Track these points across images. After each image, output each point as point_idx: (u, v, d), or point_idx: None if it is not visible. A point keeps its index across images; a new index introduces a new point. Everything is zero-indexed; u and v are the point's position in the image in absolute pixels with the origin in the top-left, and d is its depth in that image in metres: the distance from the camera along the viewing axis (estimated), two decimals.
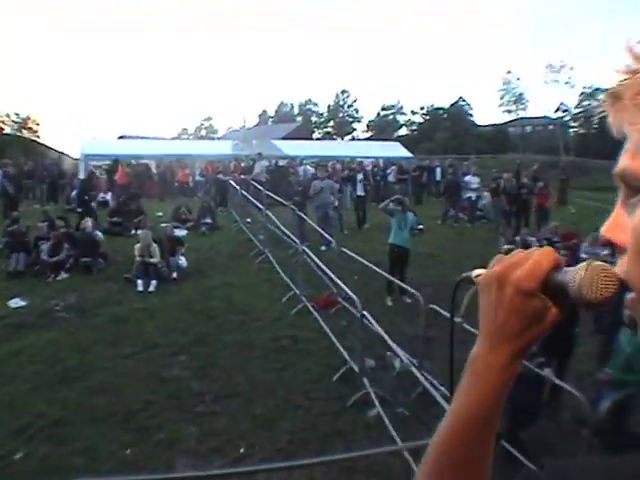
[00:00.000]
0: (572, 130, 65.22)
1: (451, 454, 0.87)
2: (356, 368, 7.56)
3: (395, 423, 6.39)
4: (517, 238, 14.83)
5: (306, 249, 11.11)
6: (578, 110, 66.49)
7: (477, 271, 0.99)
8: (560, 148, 52.28)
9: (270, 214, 14.85)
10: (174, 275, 12.18)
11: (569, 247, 8.15)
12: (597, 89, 64.14)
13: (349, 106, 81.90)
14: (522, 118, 68.49)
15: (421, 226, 12.60)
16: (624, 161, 0.68)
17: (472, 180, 22.33)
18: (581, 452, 5.51)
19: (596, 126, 63.94)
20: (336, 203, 16.58)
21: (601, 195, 27.13)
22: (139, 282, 11.50)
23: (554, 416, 6.68)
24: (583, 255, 11.62)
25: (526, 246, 12.83)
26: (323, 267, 9.97)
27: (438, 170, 27.70)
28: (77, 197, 18.62)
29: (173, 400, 7.02)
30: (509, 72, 70.18)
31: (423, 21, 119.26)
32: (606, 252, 14.71)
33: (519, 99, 69.70)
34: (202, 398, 7.08)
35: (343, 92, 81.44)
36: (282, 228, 13.85)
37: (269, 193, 17.90)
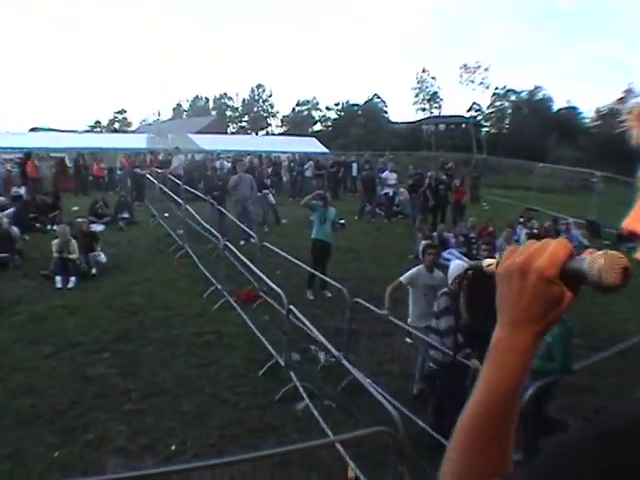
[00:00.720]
0: (484, 129, 66.87)
1: (486, 427, 0.93)
2: (282, 362, 7.58)
3: (323, 415, 6.45)
4: (434, 234, 15.17)
5: (227, 244, 11.06)
6: (490, 110, 68.31)
7: (487, 261, 1.10)
8: (473, 146, 53.60)
9: (189, 208, 14.68)
10: (93, 271, 11.88)
11: (489, 242, 8.41)
12: (509, 90, 66.34)
13: (264, 101, 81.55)
14: (436, 116, 69.83)
15: (342, 221, 12.78)
16: None
17: (389, 176, 22.68)
18: None
19: (507, 126, 65.99)
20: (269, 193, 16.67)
21: (512, 193, 28.13)
22: (58, 279, 11.14)
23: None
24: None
25: (443, 241, 13.20)
26: (247, 262, 9.98)
27: (354, 166, 27.95)
28: None
29: (99, 399, 6.82)
30: (424, 71, 71.53)
31: (340, 17, 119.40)
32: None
33: (433, 97, 71.15)
34: (129, 396, 6.91)
35: (259, 86, 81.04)
36: (202, 222, 13.76)
37: (188, 187, 17.74)
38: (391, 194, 21.93)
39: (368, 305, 7.67)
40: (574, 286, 0.92)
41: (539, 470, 0.78)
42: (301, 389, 6.98)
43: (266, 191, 17.07)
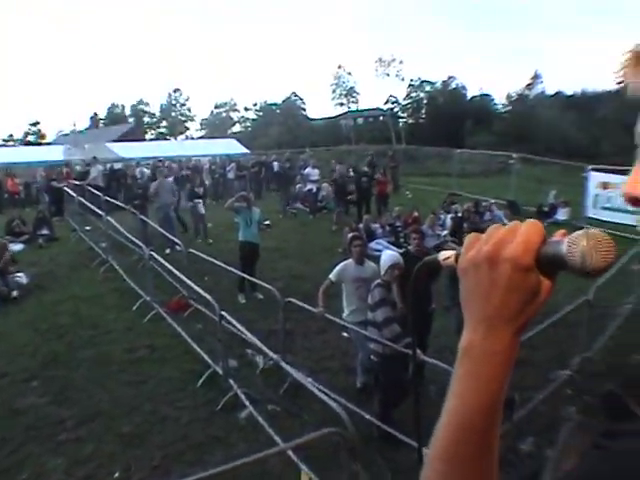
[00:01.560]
0: (402, 120, 67.96)
1: (467, 453, 0.81)
2: (220, 370, 7.44)
3: (268, 420, 6.35)
4: (360, 225, 15.25)
5: (152, 253, 10.78)
6: (407, 101, 69.50)
7: (444, 253, 0.97)
8: (392, 138, 54.32)
9: (111, 220, 14.23)
10: (14, 294, 11.34)
11: (417, 230, 8.42)
12: (424, 81, 67.63)
13: (182, 105, 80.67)
14: (354, 111, 70.62)
15: (268, 221, 12.69)
16: None
17: (312, 172, 22.83)
18: None
19: (424, 116, 67.26)
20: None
21: (433, 180, 28.60)
22: None
23: (422, 391, 6.96)
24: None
25: (370, 232, 13.22)
26: (174, 271, 9.74)
27: (275, 164, 27.89)
28: None
29: (32, 431, 6.43)
30: (340, 67, 72.19)
31: (254, 17, 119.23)
32: (446, 232, 15.55)
33: (350, 92, 71.88)
34: (63, 425, 6.56)
35: (175, 91, 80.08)
36: (125, 233, 13.39)
37: (108, 198, 17.29)
38: (314, 190, 21.98)
39: (301, 304, 7.63)
40: (551, 273, 0.81)
41: None
42: (242, 396, 6.87)
43: (198, 200, 16.66)
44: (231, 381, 7.17)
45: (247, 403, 6.75)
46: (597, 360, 7.87)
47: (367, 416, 6.19)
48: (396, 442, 5.77)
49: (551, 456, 2.55)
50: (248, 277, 10.55)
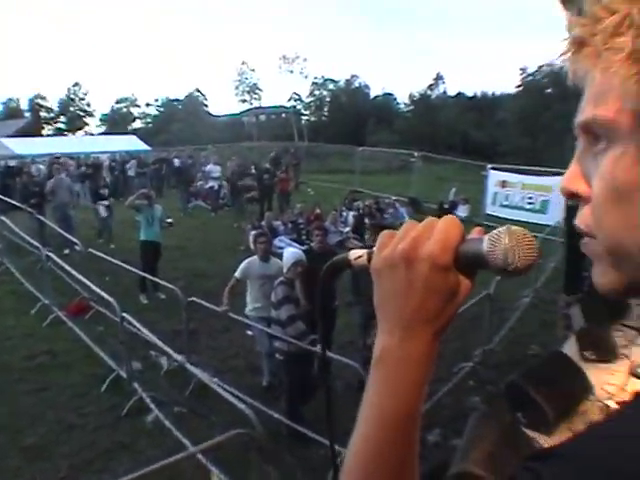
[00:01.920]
0: (305, 118, 68.36)
1: (386, 459, 0.77)
2: (123, 374, 7.29)
3: (176, 423, 6.26)
4: (263, 223, 15.29)
5: (50, 254, 10.44)
6: (310, 99, 70.27)
7: (356, 252, 0.91)
8: (294, 135, 54.53)
9: (6, 220, 13.66)
10: None
11: (320, 227, 8.52)
12: (327, 79, 68.33)
13: (81, 99, 78.09)
14: (257, 107, 70.52)
15: (170, 219, 12.51)
16: (588, 110, 0.64)
17: (213, 169, 22.77)
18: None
19: (327, 114, 67.91)
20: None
21: (335, 177, 28.91)
22: None
23: (329, 387, 7.03)
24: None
25: (272, 229, 13.24)
26: (72, 272, 9.46)
27: (177, 161, 27.53)
28: None
29: None
30: (244, 63, 71.84)
31: (150, 11, 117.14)
32: (348, 229, 15.79)
33: (253, 89, 71.67)
34: None
35: (75, 85, 77.42)
36: (21, 234, 12.89)
37: (2, 197, 16.64)
38: (216, 187, 21.87)
39: (204, 303, 7.60)
40: (470, 272, 0.78)
41: None
42: (148, 400, 6.74)
43: (103, 202, 16.05)
44: (135, 384, 7.02)
45: (153, 406, 6.63)
46: (498, 351, 8.21)
47: (275, 415, 6.22)
48: (305, 439, 5.84)
49: (459, 446, 2.67)
50: (150, 277, 10.41)
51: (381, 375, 0.79)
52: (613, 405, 3.16)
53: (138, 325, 7.11)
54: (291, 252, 7.10)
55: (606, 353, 4.13)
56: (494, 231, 0.74)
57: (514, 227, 0.74)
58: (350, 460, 0.80)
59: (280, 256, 7.43)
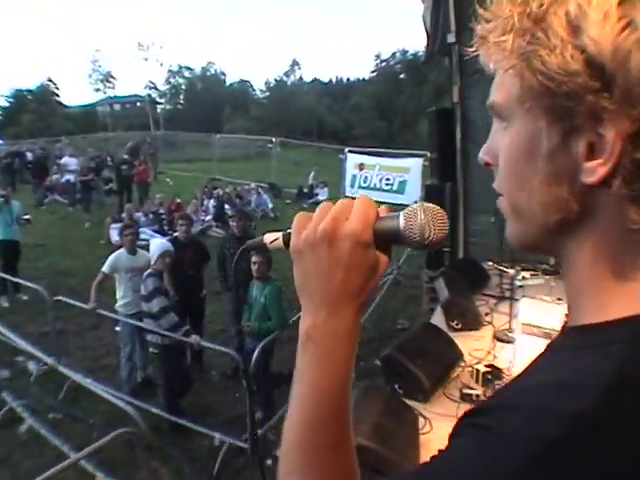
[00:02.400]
0: (160, 106, 67.03)
1: (322, 438, 0.81)
2: None
3: (52, 430, 5.95)
4: (123, 215, 15.04)
5: None
6: (166, 87, 68.94)
7: (270, 236, 0.93)
8: (150, 124, 53.35)
9: None
10: None
11: (186, 217, 8.53)
12: (183, 67, 67.45)
13: None
14: (111, 97, 68.31)
15: (27, 216, 12.00)
16: (492, 95, 0.74)
17: (69, 162, 21.88)
18: (236, 404, 6.02)
19: (182, 102, 66.95)
20: None
21: (193, 165, 28.72)
22: None
23: (203, 377, 7.13)
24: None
25: (134, 221, 13.09)
26: None
27: (29, 154, 26.35)
28: None
29: None
30: (98, 50, 69.15)
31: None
32: (209, 217, 15.83)
33: (107, 77, 69.25)
34: None
35: None
36: None
37: None
38: (73, 180, 20.99)
39: (70, 301, 7.43)
40: (387, 248, 0.83)
41: None
42: (19, 409, 6.38)
43: None
44: (4, 394, 6.65)
45: (26, 415, 6.27)
46: (368, 328, 8.35)
47: (154, 409, 6.15)
48: (187, 431, 5.89)
49: None
50: (10, 278, 9.95)
51: (311, 352, 0.82)
52: (482, 369, 3.49)
53: (2, 330, 6.85)
54: (158, 243, 7.04)
55: (471, 321, 4.53)
56: (408, 208, 0.80)
57: (427, 203, 0.81)
58: (288, 441, 0.83)
59: (144, 248, 7.40)
